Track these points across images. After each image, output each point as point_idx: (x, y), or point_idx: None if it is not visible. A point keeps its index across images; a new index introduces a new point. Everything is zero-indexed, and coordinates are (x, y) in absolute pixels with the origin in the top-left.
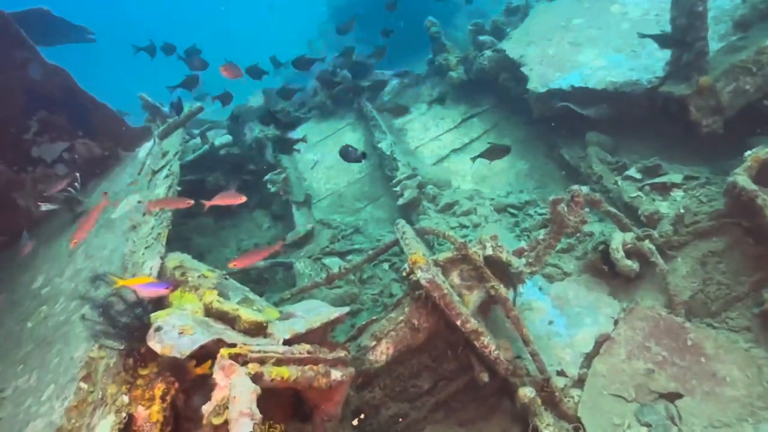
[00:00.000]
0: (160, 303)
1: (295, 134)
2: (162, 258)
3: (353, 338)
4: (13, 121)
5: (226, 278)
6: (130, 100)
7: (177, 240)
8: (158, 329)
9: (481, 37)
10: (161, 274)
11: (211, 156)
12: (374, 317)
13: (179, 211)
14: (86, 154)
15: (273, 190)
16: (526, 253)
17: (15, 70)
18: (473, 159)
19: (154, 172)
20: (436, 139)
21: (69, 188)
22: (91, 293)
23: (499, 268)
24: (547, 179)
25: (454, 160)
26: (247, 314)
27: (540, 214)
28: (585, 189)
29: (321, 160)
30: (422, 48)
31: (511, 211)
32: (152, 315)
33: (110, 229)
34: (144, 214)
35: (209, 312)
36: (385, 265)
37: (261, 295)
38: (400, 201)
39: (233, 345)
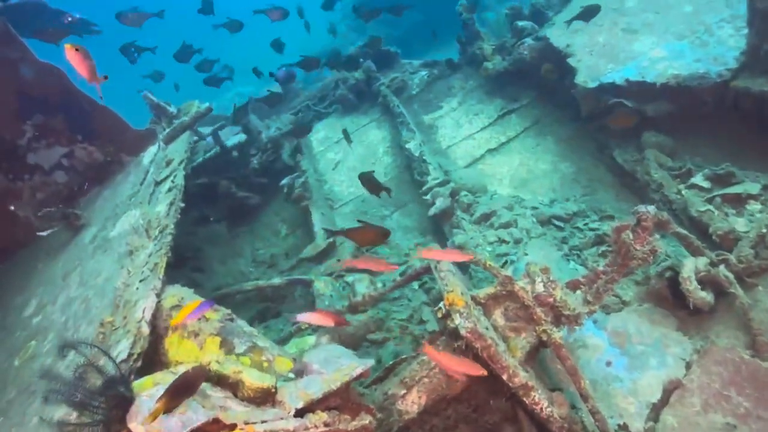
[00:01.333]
0: (155, 350)
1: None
2: (158, 295)
3: (379, 380)
4: (6, 126)
5: (231, 319)
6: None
7: (187, 250)
8: (142, 406)
9: (520, 23)
10: (156, 316)
11: (223, 157)
12: (403, 356)
13: (189, 219)
14: (87, 160)
15: (291, 195)
16: (582, 287)
17: (5, 70)
18: (568, 22)
19: (157, 183)
20: (469, 138)
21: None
22: (60, 366)
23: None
24: (596, 185)
25: (490, 162)
26: (251, 380)
27: (592, 229)
28: (652, 209)
29: (343, 161)
30: (451, 35)
31: (557, 223)
32: (136, 384)
33: (107, 250)
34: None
35: (207, 375)
36: (415, 284)
37: (278, 315)
38: (432, 211)
39: (233, 426)
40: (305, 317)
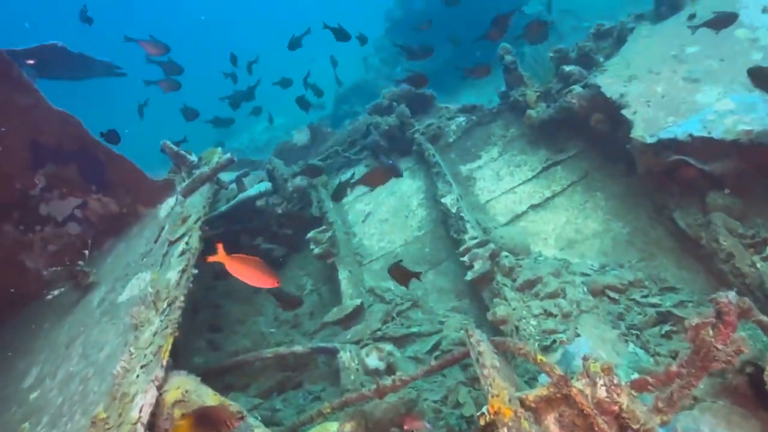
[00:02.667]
0: None
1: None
2: (159, 387)
3: None
4: (18, 176)
5: (242, 417)
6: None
7: (205, 308)
8: None
9: (567, 68)
10: (156, 413)
11: (246, 206)
12: None
13: (208, 272)
14: (101, 212)
15: (317, 251)
16: (651, 388)
17: (17, 118)
18: (693, 28)
19: (171, 243)
20: (510, 192)
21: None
22: None
23: None
24: (653, 249)
25: (533, 219)
26: None
27: (652, 305)
28: (734, 297)
29: (373, 212)
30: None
31: (611, 294)
32: None
33: (114, 318)
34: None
35: None
36: None
37: (299, 386)
38: (469, 275)
39: None
40: None
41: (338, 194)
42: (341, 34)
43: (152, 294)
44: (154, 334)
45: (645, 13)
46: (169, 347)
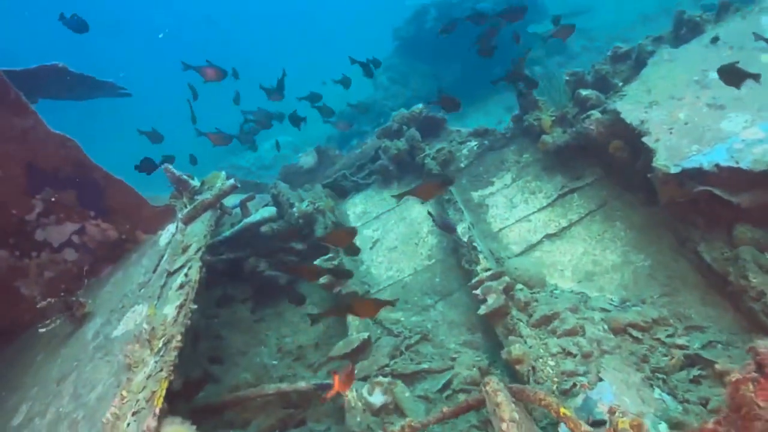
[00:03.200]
0: None
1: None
2: None
3: None
4: (14, 201)
5: None
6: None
7: (206, 339)
8: None
9: (584, 92)
10: None
11: (250, 232)
12: None
13: (211, 298)
14: (99, 238)
15: (323, 280)
16: None
17: (14, 141)
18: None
19: (170, 273)
20: (524, 220)
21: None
22: None
23: None
24: (677, 284)
25: (549, 249)
26: None
27: (678, 346)
28: None
29: (382, 240)
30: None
31: (634, 333)
32: None
33: (107, 355)
34: (149, 341)
35: None
36: (462, 399)
37: (302, 424)
38: (482, 310)
39: None
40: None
41: (352, 251)
42: (368, 70)
43: (147, 331)
44: (148, 377)
45: (664, 35)
46: (164, 393)
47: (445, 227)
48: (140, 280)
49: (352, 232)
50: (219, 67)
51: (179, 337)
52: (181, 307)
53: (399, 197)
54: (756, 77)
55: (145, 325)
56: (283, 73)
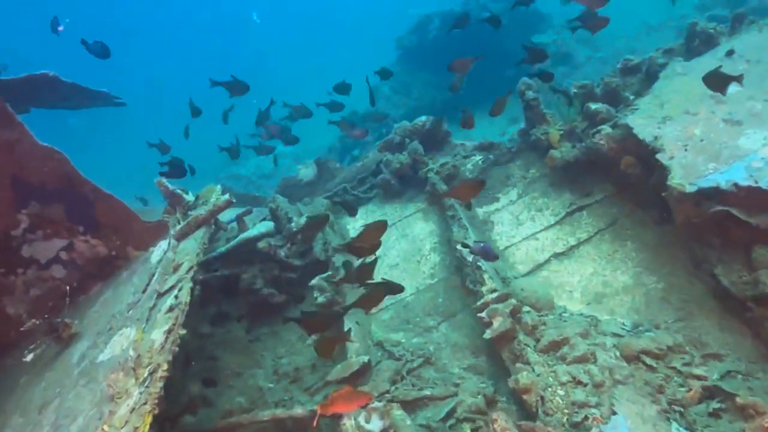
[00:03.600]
0: None
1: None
2: None
3: None
4: None
5: None
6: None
7: (199, 360)
8: None
9: (593, 106)
10: None
11: (247, 246)
12: None
13: (205, 318)
14: (88, 254)
15: (321, 300)
16: None
17: (0, 153)
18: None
19: (160, 294)
20: (531, 238)
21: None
22: None
23: None
24: (692, 307)
25: (557, 268)
26: None
27: (696, 376)
28: None
29: (383, 256)
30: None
31: (648, 361)
32: None
33: (91, 382)
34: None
35: None
36: (467, 428)
37: None
38: (488, 334)
39: None
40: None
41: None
42: (372, 98)
43: (133, 359)
44: (131, 411)
45: (674, 47)
46: (147, 429)
47: (484, 254)
48: (129, 299)
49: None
50: (243, 81)
51: (165, 366)
52: (169, 332)
53: (440, 197)
54: (738, 79)
55: (131, 352)
56: (271, 101)
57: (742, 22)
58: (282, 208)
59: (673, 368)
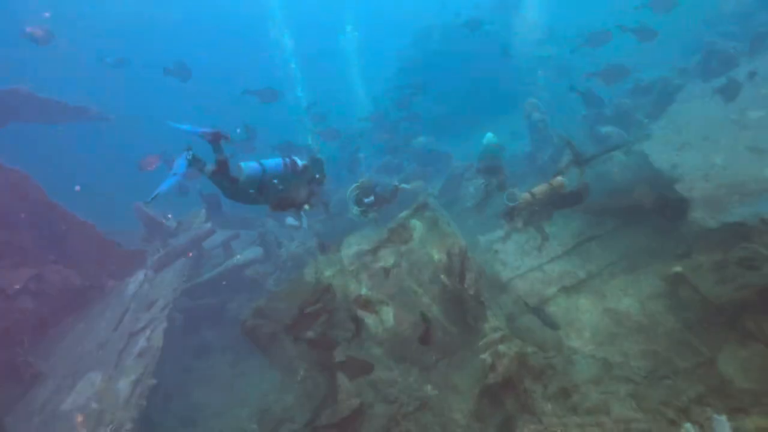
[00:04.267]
0: None
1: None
2: None
3: None
4: None
5: None
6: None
7: (180, 396)
8: None
9: (603, 129)
10: None
11: (234, 273)
12: None
13: (188, 351)
14: (60, 285)
15: (310, 335)
16: None
17: None
18: None
19: (132, 334)
20: (537, 270)
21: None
22: None
23: None
24: (714, 351)
25: (565, 305)
26: None
27: None
28: None
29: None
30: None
31: (670, 415)
32: None
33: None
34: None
35: None
36: None
37: None
38: (491, 379)
39: None
40: None
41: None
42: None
43: (97, 410)
44: None
45: (689, 67)
46: None
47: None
48: (101, 335)
49: None
50: (273, 89)
51: (129, 426)
52: (136, 382)
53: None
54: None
55: (93, 405)
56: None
57: (764, 41)
58: (271, 233)
59: (699, 424)
